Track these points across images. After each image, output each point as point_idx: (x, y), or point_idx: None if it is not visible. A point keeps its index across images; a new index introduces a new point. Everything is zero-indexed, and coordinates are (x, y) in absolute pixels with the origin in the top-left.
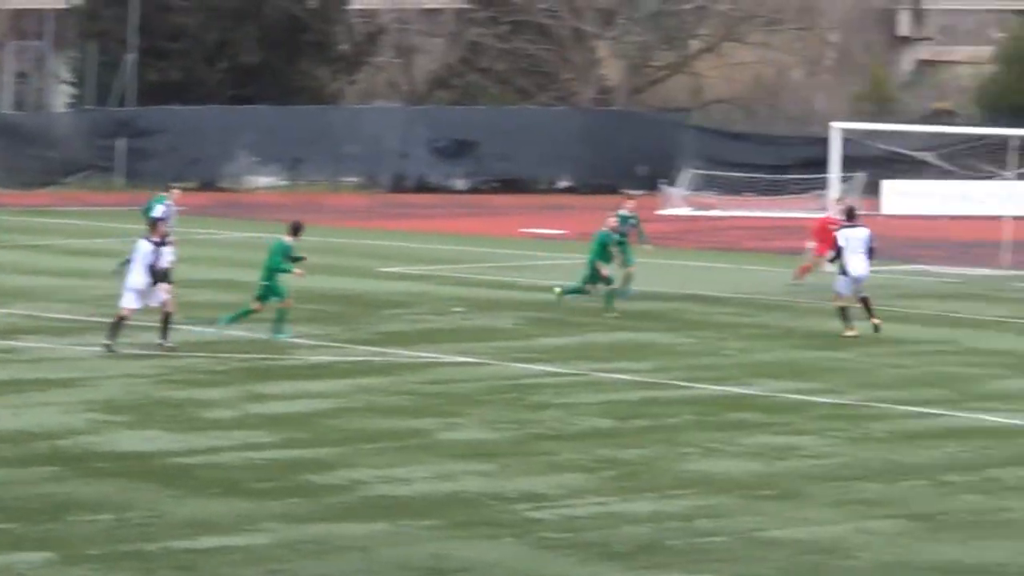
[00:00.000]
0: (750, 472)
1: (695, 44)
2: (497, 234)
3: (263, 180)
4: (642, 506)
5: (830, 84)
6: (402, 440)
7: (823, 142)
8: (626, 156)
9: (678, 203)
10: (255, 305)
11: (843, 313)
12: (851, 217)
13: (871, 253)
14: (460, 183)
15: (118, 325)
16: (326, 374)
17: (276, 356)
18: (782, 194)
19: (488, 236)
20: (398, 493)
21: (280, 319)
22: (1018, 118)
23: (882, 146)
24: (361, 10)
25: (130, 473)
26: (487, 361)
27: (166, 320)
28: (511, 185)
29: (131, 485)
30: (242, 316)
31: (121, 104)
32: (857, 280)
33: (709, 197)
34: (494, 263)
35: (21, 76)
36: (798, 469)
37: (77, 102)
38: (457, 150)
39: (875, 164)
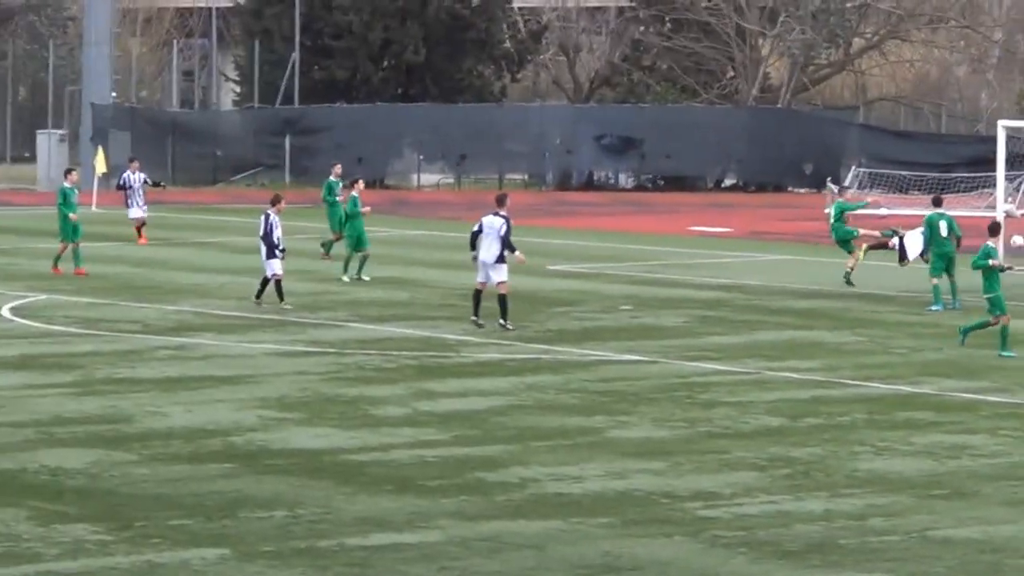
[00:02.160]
0: (922, 471)
1: (858, 42)
2: (664, 232)
3: (429, 178)
4: (814, 505)
5: (995, 82)
6: (573, 438)
7: (989, 140)
8: (791, 154)
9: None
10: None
11: None
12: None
13: None
14: (626, 180)
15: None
16: (495, 372)
17: (445, 354)
18: (948, 192)
19: (655, 234)
20: (570, 491)
21: (1004, 335)
22: None
23: None
24: (524, 8)
25: (302, 470)
26: (656, 359)
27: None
28: (676, 183)
29: (303, 482)
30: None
31: (286, 102)
32: None
33: (875, 195)
34: (662, 261)
35: (187, 74)
36: (970, 468)
37: (242, 100)
38: (622, 148)
39: None
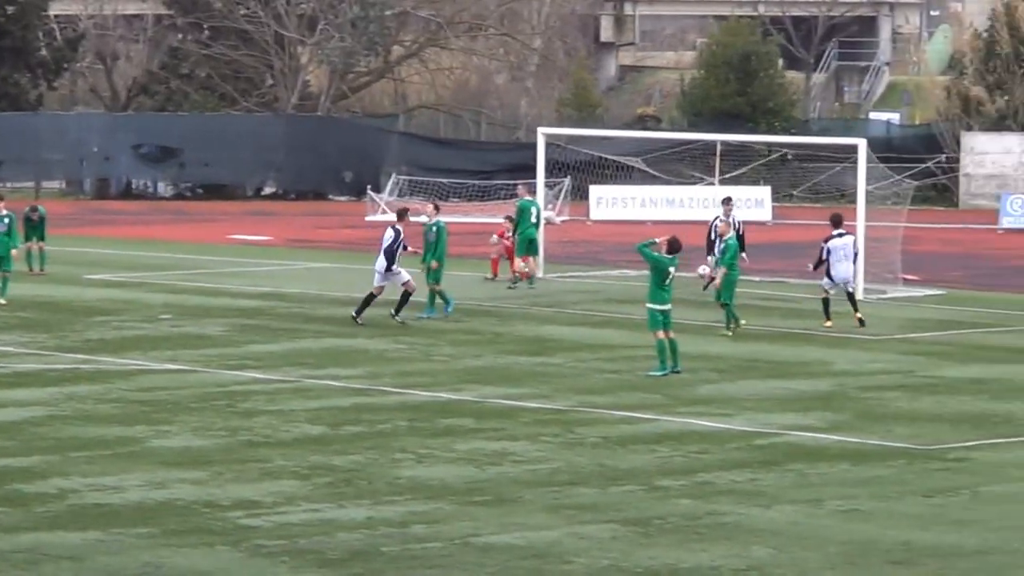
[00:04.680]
0: (464, 478)
1: (397, 50)
2: (204, 240)
3: None
4: (356, 512)
5: (534, 90)
6: (113, 448)
7: (529, 147)
8: (331, 162)
9: (385, 209)
10: None
11: (825, 305)
12: (837, 225)
13: (855, 259)
14: (164, 189)
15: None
16: (33, 382)
17: None
18: (489, 200)
19: (195, 243)
20: (110, 501)
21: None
22: (720, 123)
23: (588, 151)
24: (60, 16)
25: None
26: (196, 368)
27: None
28: (215, 191)
29: None
30: None
31: None
32: (843, 281)
33: (415, 203)
34: (202, 270)
35: None
36: (511, 474)
37: None
38: (161, 156)
39: (581, 169)
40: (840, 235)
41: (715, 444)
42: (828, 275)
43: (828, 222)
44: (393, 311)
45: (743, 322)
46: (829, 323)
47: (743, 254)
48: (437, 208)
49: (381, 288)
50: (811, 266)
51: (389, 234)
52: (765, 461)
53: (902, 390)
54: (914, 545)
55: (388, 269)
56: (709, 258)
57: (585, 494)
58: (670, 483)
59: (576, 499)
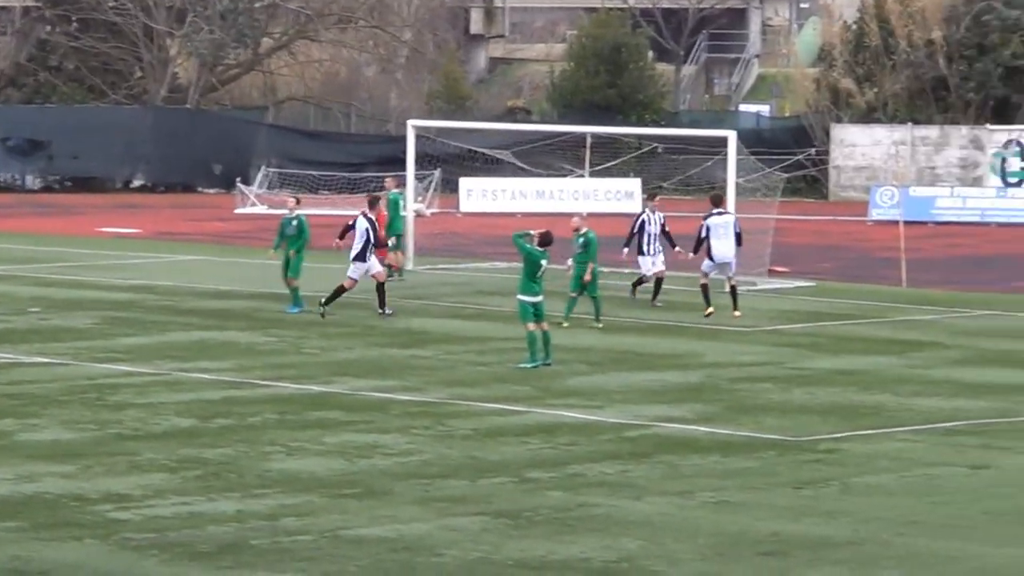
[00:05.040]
0: (334, 470)
1: (267, 42)
2: (73, 233)
3: None
4: (226, 505)
5: (404, 82)
6: None
7: (399, 140)
8: (201, 154)
9: (255, 201)
10: None
11: (704, 291)
12: (718, 204)
13: (738, 239)
14: (33, 182)
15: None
16: None
17: None
18: (358, 192)
19: (64, 235)
20: None
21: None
22: (590, 115)
23: (458, 144)
24: None
25: None
26: (66, 361)
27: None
28: (84, 184)
29: None
30: None
31: None
32: (723, 264)
33: (284, 195)
34: (71, 262)
35: None
36: (382, 467)
37: None
38: (29, 149)
39: (451, 162)
40: (720, 213)
41: (586, 436)
42: (709, 255)
43: (709, 202)
44: (321, 302)
45: (566, 324)
46: (710, 310)
47: (677, 248)
48: (298, 201)
49: (382, 274)
50: (691, 253)
51: (363, 223)
52: (636, 453)
53: (772, 382)
54: (785, 536)
55: (358, 259)
56: (625, 250)
57: (456, 486)
58: (540, 475)
59: (447, 491)
